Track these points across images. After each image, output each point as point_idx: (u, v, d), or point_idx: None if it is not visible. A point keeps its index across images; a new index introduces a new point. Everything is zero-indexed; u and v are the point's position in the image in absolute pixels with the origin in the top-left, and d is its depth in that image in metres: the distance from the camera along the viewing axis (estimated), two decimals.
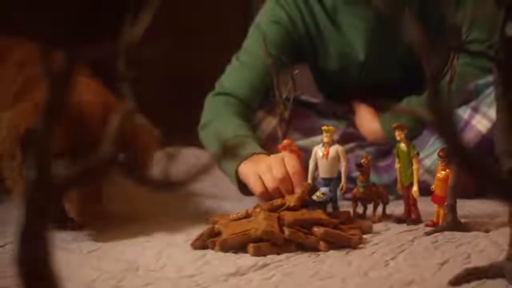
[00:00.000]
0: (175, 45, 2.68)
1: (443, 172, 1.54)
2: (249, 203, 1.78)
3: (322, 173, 1.62)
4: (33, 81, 1.63)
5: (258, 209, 1.51)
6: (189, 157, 2.25)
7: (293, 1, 2.15)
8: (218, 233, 1.45)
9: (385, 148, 2.06)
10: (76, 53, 0.65)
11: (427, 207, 1.64)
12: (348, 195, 1.75)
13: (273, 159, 1.67)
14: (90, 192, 1.53)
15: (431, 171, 1.89)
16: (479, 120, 1.88)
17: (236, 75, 2.12)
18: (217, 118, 2.00)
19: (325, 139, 1.62)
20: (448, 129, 0.80)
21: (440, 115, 0.79)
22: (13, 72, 1.70)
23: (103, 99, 1.57)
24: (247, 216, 1.51)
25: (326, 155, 1.62)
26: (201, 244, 1.45)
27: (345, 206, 1.70)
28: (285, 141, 1.66)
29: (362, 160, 1.63)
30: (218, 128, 1.96)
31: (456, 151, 0.77)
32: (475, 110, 1.90)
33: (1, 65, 1.74)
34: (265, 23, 2.15)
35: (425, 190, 1.66)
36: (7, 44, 1.80)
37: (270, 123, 2.07)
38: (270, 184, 1.65)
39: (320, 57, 2.16)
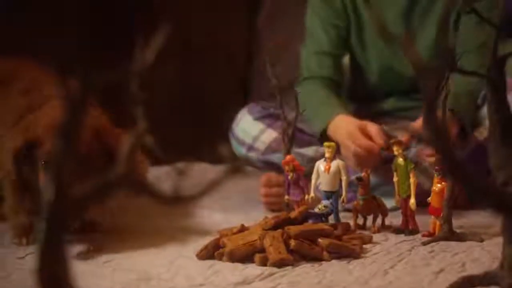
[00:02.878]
0: (184, 64, 2.68)
1: (438, 185, 1.54)
2: (256, 215, 1.78)
3: (324, 186, 1.63)
4: (37, 105, 1.63)
5: (264, 222, 1.51)
6: (199, 172, 2.25)
7: None
8: (223, 245, 1.46)
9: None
10: (91, 78, 0.66)
11: (424, 218, 1.64)
12: (349, 205, 1.76)
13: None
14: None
15: None
16: (476, 129, 1.88)
17: (308, 59, 2.14)
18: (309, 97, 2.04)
19: (327, 154, 1.63)
20: (443, 145, 0.80)
21: (435, 132, 0.80)
22: (18, 97, 1.69)
23: (107, 125, 1.58)
24: (243, 229, 1.52)
25: (327, 170, 1.62)
26: (205, 255, 1.45)
27: (346, 217, 1.70)
28: (288, 157, 1.67)
29: (362, 174, 1.64)
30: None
31: (451, 167, 0.77)
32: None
33: (6, 89, 1.73)
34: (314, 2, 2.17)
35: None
36: (12, 69, 1.79)
37: (270, 135, 2.08)
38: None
39: (355, 41, 2.14)
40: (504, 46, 1.13)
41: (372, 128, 1.83)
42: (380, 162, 1.82)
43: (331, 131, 1.91)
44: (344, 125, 1.87)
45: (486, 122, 1.85)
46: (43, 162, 1.48)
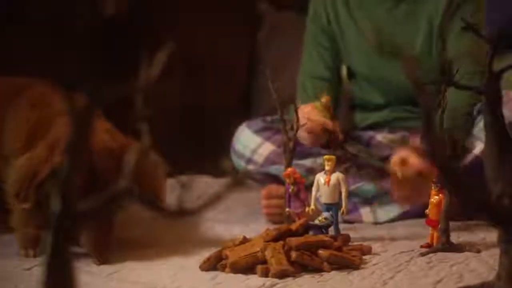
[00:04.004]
0: (186, 78, 2.69)
1: (436, 197, 1.54)
2: (257, 227, 1.78)
3: (324, 199, 1.63)
4: (46, 121, 1.63)
5: (265, 234, 1.51)
6: (201, 185, 2.26)
7: None
8: (226, 257, 1.46)
9: None
10: (97, 94, 0.66)
11: (422, 230, 1.64)
12: (348, 217, 1.77)
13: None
14: (103, 224, 1.53)
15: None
16: (472, 143, 1.88)
17: (305, 83, 2.18)
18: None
19: (327, 167, 1.63)
20: (440, 158, 0.81)
21: (433, 146, 0.80)
22: (26, 112, 1.69)
23: (116, 139, 1.58)
24: (245, 241, 1.52)
25: (327, 182, 1.62)
26: (208, 266, 1.45)
27: (346, 229, 1.70)
28: (289, 170, 1.67)
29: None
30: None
31: (448, 179, 0.77)
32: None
33: (15, 105, 1.73)
34: (307, 22, 2.21)
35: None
36: (20, 85, 1.80)
37: (268, 148, 2.08)
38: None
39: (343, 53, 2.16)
40: (502, 59, 1.13)
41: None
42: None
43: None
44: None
45: (480, 135, 1.86)
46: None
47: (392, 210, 1.91)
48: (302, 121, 1.77)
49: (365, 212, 1.94)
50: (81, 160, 0.67)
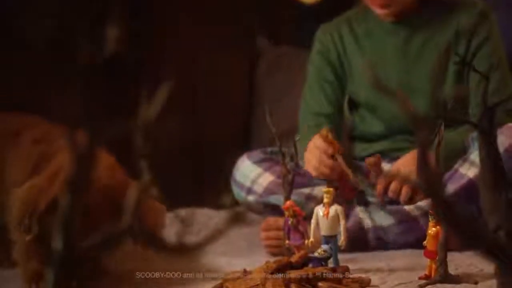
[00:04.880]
0: (186, 112, 2.70)
1: (433, 228, 1.54)
2: (257, 259, 1.78)
3: (323, 231, 1.63)
4: (48, 158, 1.63)
5: (265, 267, 1.51)
6: (202, 218, 2.26)
7: (327, 29, 2.19)
8: None
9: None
10: (99, 131, 0.66)
11: (421, 261, 1.64)
12: (348, 225, 1.78)
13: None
14: (90, 270, 1.52)
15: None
16: (468, 168, 1.88)
17: (306, 119, 2.19)
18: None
19: (325, 200, 1.64)
20: (436, 192, 0.81)
21: (429, 180, 0.80)
22: (29, 149, 1.70)
23: (115, 176, 1.58)
24: (245, 273, 1.51)
25: (326, 215, 1.63)
26: None
27: (344, 261, 1.70)
28: (288, 203, 1.67)
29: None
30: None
31: (445, 214, 0.77)
32: (464, 160, 1.90)
33: (18, 141, 1.74)
34: (312, 55, 2.22)
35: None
36: (23, 122, 1.81)
37: (267, 178, 2.09)
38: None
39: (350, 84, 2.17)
40: None
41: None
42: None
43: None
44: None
45: (472, 157, 1.87)
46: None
47: (387, 218, 1.92)
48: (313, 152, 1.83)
49: (362, 211, 1.95)
50: (82, 198, 0.67)
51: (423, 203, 1.88)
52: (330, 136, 1.88)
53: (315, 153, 1.92)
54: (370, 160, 1.83)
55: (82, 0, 2.46)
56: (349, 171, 1.85)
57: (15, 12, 2.44)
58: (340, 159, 1.86)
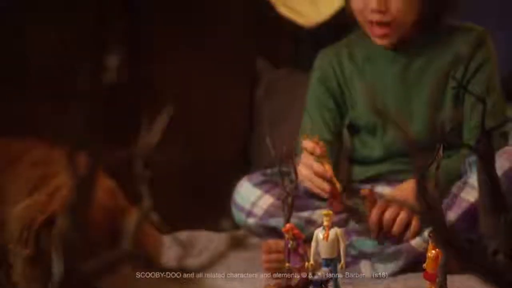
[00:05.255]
0: (186, 135, 2.70)
1: (433, 251, 1.54)
2: (258, 281, 1.77)
3: (323, 254, 1.63)
4: (47, 180, 1.63)
5: None
6: (202, 240, 2.25)
7: (326, 55, 2.19)
8: None
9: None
10: (100, 156, 0.67)
11: (421, 283, 1.63)
12: (347, 271, 1.77)
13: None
14: None
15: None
16: (468, 192, 1.88)
17: (305, 128, 2.17)
18: None
19: (325, 223, 1.63)
20: (435, 217, 0.81)
21: (427, 205, 0.80)
22: (28, 172, 1.70)
23: (115, 200, 1.58)
24: None
25: (326, 237, 1.62)
26: None
27: (344, 284, 1.70)
28: (288, 226, 1.67)
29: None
30: None
31: (443, 238, 0.77)
32: (464, 183, 1.90)
33: (17, 164, 1.74)
34: (311, 82, 2.21)
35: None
36: (23, 145, 1.81)
37: (267, 200, 2.09)
38: None
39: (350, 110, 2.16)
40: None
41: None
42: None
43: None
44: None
45: (471, 181, 1.87)
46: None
47: (392, 265, 1.90)
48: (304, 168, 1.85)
49: (364, 265, 1.93)
50: (82, 221, 0.67)
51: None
52: (317, 140, 1.90)
53: (305, 161, 1.93)
54: (365, 191, 1.84)
55: (82, 29, 2.48)
56: (336, 182, 1.86)
57: (16, 39, 2.46)
58: (327, 167, 1.87)
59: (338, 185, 1.88)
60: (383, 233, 1.92)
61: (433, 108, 1.84)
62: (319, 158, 1.90)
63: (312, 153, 1.90)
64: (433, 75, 2.05)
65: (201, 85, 2.77)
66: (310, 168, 1.91)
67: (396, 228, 1.89)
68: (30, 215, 1.53)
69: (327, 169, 1.89)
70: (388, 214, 1.90)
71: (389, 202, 1.88)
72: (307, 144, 1.92)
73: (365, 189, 1.87)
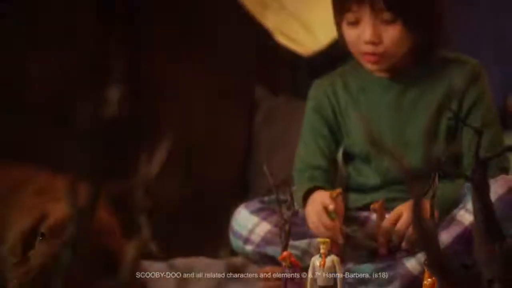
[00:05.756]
0: (185, 161, 2.71)
1: (429, 279, 1.55)
2: None
3: (320, 281, 1.63)
4: (50, 207, 1.64)
5: None
6: (201, 266, 2.25)
7: (321, 85, 2.20)
8: None
9: None
10: (100, 187, 0.67)
11: None
12: None
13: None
14: None
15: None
16: (463, 215, 1.88)
17: (301, 171, 2.17)
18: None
19: (322, 250, 1.64)
20: (430, 245, 0.81)
21: (423, 233, 0.81)
22: (32, 197, 1.71)
23: (113, 233, 1.58)
24: None
25: (323, 265, 1.63)
26: None
27: None
28: (285, 253, 1.67)
29: None
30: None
31: (438, 267, 0.78)
32: (460, 208, 1.90)
33: (21, 193, 1.75)
34: (306, 112, 2.22)
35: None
36: (24, 172, 1.82)
37: (264, 227, 2.09)
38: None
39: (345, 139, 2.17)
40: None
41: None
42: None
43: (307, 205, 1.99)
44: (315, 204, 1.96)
45: (468, 206, 1.87)
46: (41, 237, 1.49)
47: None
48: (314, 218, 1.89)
49: None
50: (80, 251, 0.68)
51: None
52: (339, 198, 1.92)
53: (317, 210, 1.94)
54: (375, 204, 1.85)
55: (82, 63, 2.50)
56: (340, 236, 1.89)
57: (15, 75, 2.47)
58: (337, 223, 1.89)
59: (341, 238, 1.90)
60: (392, 246, 1.92)
61: (428, 140, 1.84)
62: (332, 213, 1.91)
63: (325, 208, 1.92)
64: (427, 106, 2.05)
65: (201, 112, 2.78)
66: (319, 219, 1.92)
67: (406, 239, 1.91)
68: (21, 229, 1.54)
69: (336, 224, 1.91)
70: (400, 224, 1.91)
71: (397, 215, 1.91)
72: (325, 199, 1.94)
73: (375, 202, 1.89)
